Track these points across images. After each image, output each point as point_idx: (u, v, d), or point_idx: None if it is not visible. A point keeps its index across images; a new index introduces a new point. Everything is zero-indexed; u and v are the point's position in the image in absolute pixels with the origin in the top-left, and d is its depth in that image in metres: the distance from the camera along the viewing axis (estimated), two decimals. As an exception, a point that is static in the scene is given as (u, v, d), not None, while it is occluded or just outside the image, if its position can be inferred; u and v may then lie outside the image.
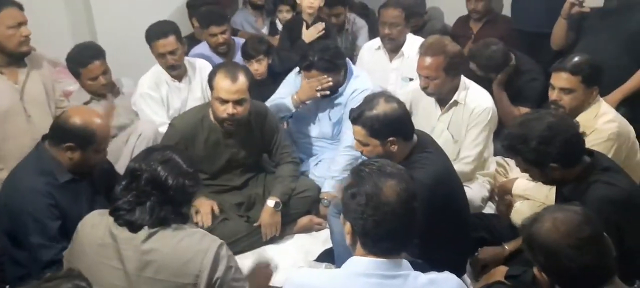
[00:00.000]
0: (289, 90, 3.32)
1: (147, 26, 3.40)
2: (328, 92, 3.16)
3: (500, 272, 2.24)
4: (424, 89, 2.90)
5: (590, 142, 2.38)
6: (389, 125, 2.25)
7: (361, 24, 4.39)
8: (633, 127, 2.66)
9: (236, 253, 2.31)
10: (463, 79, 2.96)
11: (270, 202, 2.92)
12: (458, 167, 2.72)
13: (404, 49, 3.65)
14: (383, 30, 3.67)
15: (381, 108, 2.26)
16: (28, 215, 2.18)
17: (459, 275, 2.38)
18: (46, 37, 3.75)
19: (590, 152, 2.13)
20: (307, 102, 3.25)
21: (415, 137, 2.36)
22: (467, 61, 3.19)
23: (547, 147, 2.02)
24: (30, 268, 2.26)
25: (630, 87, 3.08)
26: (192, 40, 4.12)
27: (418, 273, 1.58)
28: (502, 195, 2.92)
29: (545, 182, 2.20)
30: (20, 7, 2.89)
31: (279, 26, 4.50)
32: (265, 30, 4.69)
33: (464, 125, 2.94)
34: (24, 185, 2.24)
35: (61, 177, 2.26)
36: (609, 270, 1.56)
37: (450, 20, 4.60)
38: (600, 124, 2.54)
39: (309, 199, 3.11)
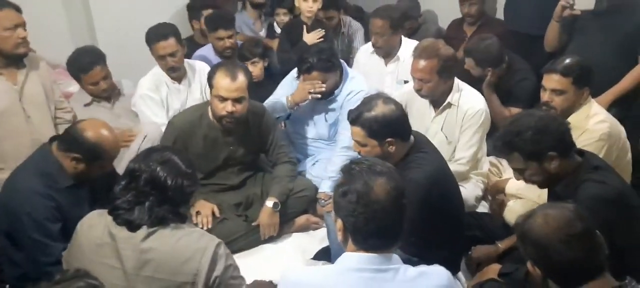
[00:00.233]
0: (286, 92, 3.35)
1: (147, 28, 3.42)
2: (319, 96, 3.18)
3: (493, 270, 2.27)
4: (418, 91, 2.93)
5: (581, 143, 2.41)
6: (387, 126, 2.28)
7: (357, 26, 4.41)
8: (623, 127, 2.69)
9: (234, 252, 2.33)
10: (456, 81, 2.99)
11: (269, 203, 2.94)
12: (453, 167, 2.74)
13: (399, 53, 3.67)
14: (371, 38, 3.72)
15: (380, 109, 2.29)
16: (27, 216, 2.19)
17: (454, 273, 2.43)
18: (46, 39, 3.77)
19: (582, 152, 2.16)
20: (301, 104, 3.28)
21: (412, 137, 2.39)
22: (460, 64, 3.22)
23: (543, 136, 2.04)
24: (28, 268, 2.27)
25: (622, 88, 3.09)
26: (191, 43, 4.14)
27: (408, 266, 1.63)
28: (494, 194, 2.96)
29: (541, 183, 2.20)
30: (18, 9, 2.89)
31: (277, 29, 4.54)
32: (263, 33, 4.71)
33: (457, 127, 2.97)
34: (24, 186, 2.24)
35: (63, 182, 2.27)
36: (599, 266, 1.60)
37: (444, 23, 4.61)
38: (592, 124, 2.56)
39: (306, 199, 3.14)
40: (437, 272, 1.66)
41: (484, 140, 3.08)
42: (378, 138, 2.29)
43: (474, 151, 2.98)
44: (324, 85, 3.15)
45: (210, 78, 2.84)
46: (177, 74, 3.42)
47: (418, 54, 2.87)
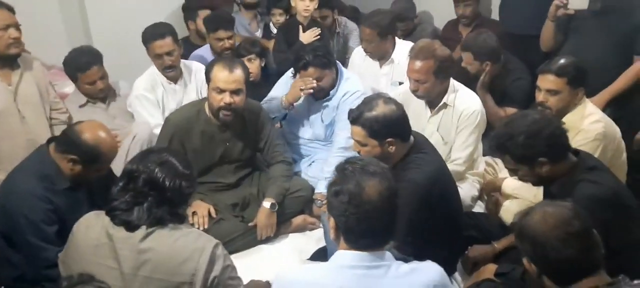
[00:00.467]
0: (282, 91, 3.35)
1: (142, 29, 3.42)
2: (312, 91, 3.18)
3: (489, 270, 2.28)
4: (414, 91, 2.94)
5: (577, 143, 2.42)
6: (387, 127, 2.29)
7: (352, 27, 4.42)
8: (618, 127, 2.70)
9: (231, 252, 2.32)
10: (452, 81, 3.00)
11: (266, 204, 2.95)
12: (449, 168, 2.75)
13: (393, 55, 3.67)
14: (363, 46, 3.73)
15: (381, 109, 2.30)
16: (24, 218, 2.19)
17: (450, 273, 2.44)
18: (41, 40, 3.77)
19: (577, 152, 2.18)
20: (295, 103, 3.28)
21: (411, 138, 2.40)
22: (456, 65, 3.23)
23: (534, 141, 2.06)
24: (24, 270, 2.27)
25: (617, 88, 3.11)
26: (187, 44, 4.14)
27: (400, 262, 1.65)
28: (489, 191, 2.97)
29: (534, 182, 2.23)
30: (10, 9, 2.89)
31: (273, 29, 4.54)
32: (259, 33, 4.71)
33: (453, 127, 2.98)
34: (21, 188, 2.24)
35: (60, 184, 2.27)
36: (595, 264, 1.61)
37: (439, 24, 4.62)
38: (587, 124, 2.58)
39: (303, 199, 3.15)
40: (429, 268, 1.68)
41: (480, 141, 3.09)
42: (378, 138, 2.30)
43: (470, 151, 2.99)
44: (315, 82, 3.15)
45: (208, 72, 2.87)
46: (173, 73, 3.42)
47: (414, 54, 2.88)
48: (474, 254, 2.57)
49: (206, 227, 2.85)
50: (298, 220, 3.12)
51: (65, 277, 1.58)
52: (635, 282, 1.60)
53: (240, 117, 2.98)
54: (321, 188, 3.14)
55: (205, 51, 3.92)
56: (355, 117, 2.34)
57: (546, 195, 2.25)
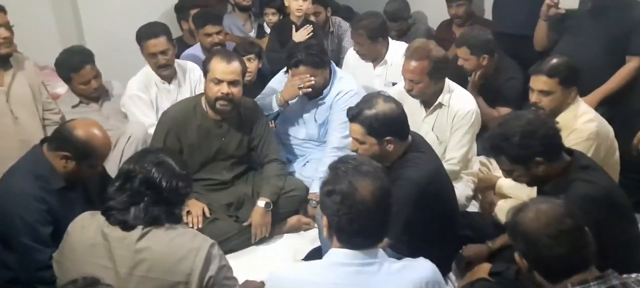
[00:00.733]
0: (276, 87, 3.36)
1: (135, 30, 3.41)
2: (310, 90, 3.18)
3: (483, 269, 2.29)
4: (409, 91, 2.95)
5: (570, 142, 2.43)
6: (387, 125, 2.30)
7: (346, 26, 4.42)
8: (611, 126, 2.71)
9: (226, 252, 2.31)
10: (447, 81, 3.01)
11: (261, 203, 2.95)
12: (444, 167, 2.77)
13: (387, 57, 3.68)
14: (355, 49, 3.73)
15: (380, 107, 2.30)
16: (19, 219, 2.17)
17: (445, 273, 2.45)
18: (34, 40, 3.75)
19: (570, 151, 2.18)
20: (291, 101, 3.28)
21: (409, 137, 2.41)
22: (451, 65, 3.24)
23: (530, 141, 2.06)
24: (19, 271, 2.25)
25: (610, 88, 3.13)
26: (180, 43, 4.13)
27: (393, 260, 1.66)
28: (484, 188, 2.99)
29: (529, 183, 2.23)
30: (1, 9, 2.87)
31: (267, 29, 4.53)
32: (252, 34, 4.71)
33: (448, 127, 3.00)
34: (17, 188, 2.22)
35: (55, 183, 2.25)
36: (586, 261, 1.63)
37: (434, 24, 4.64)
38: (580, 123, 2.59)
39: (297, 198, 3.15)
40: (422, 265, 1.69)
41: (474, 140, 3.10)
42: (377, 136, 2.31)
43: (464, 151, 3.00)
44: (313, 79, 3.15)
45: (205, 65, 2.90)
46: (167, 72, 3.42)
47: (409, 54, 2.89)
48: (469, 253, 2.58)
49: (200, 226, 2.85)
50: (293, 220, 3.12)
51: (70, 280, 1.56)
52: (624, 275, 1.62)
53: (237, 113, 3.00)
54: (316, 189, 3.13)
55: (196, 50, 3.92)
56: (354, 114, 2.34)
57: (540, 194, 2.24)
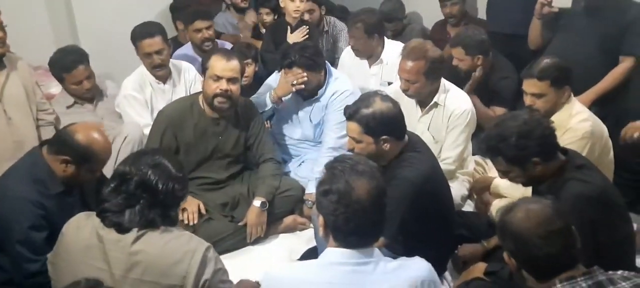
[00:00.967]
0: (273, 84, 3.36)
1: (130, 30, 3.40)
2: (303, 86, 3.18)
3: (479, 269, 2.29)
4: (404, 91, 2.95)
5: (564, 141, 2.43)
6: (384, 124, 2.30)
7: (341, 26, 4.41)
8: (605, 125, 2.72)
9: (221, 253, 2.32)
10: (443, 81, 3.01)
11: (257, 202, 2.95)
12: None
13: (382, 56, 3.68)
14: (351, 44, 3.74)
15: (377, 106, 2.31)
16: (15, 223, 2.15)
17: (440, 273, 2.45)
18: (28, 41, 3.73)
19: (565, 151, 2.19)
20: (284, 98, 3.28)
21: (406, 137, 2.41)
22: (447, 65, 3.25)
23: (526, 141, 2.06)
24: (14, 274, 2.23)
25: (604, 87, 3.14)
26: (175, 43, 4.12)
27: (389, 259, 1.67)
28: (479, 189, 2.99)
29: (525, 183, 2.23)
30: None
31: (261, 30, 4.53)
32: (247, 34, 4.71)
33: (443, 127, 3.00)
34: (14, 192, 2.19)
35: (53, 188, 2.24)
36: (573, 259, 1.65)
37: (428, 24, 4.64)
38: (574, 123, 2.60)
39: (293, 198, 3.14)
40: (417, 264, 1.70)
41: (470, 140, 3.11)
42: (374, 135, 2.31)
43: (460, 151, 3.01)
44: (306, 75, 3.15)
45: (204, 63, 2.93)
46: (162, 72, 3.41)
47: (406, 54, 2.89)
48: (464, 253, 2.59)
49: (196, 222, 2.85)
50: (288, 220, 3.12)
51: (72, 282, 1.56)
52: (610, 272, 1.64)
53: (234, 112, 3.01)
54: (311, 189, 3.13)
55: (187, 49, 3.92)
56: (351, 113, 2.35)
57: (535, 194, 2.25)
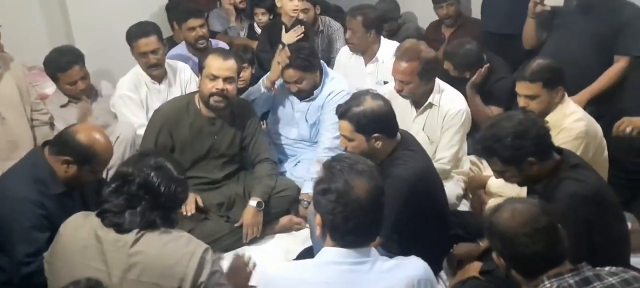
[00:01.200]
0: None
1: (125, 30, 3.39)
2: (288, 61, 3.16)
3: (474, 268, 2.31)
4: (399, 91, 2.96)
5: (559, 141, 2.44)
6: (375, 122, 2.31)
7: (336, 26, 4.41)
8: (600, 125, 2.73)
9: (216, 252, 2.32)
10: (437, 81, 3.02)
11: (253, 202, 2.95)
12: (435, 166, 2.78)
13: (378, 54, 3.68)
14: (346, 35, 3.74)
15: (368, 104, 2.32)
16: (16, 223, 2.15)
17: (436, 272, 2.45)
18: (22, 40, 3.72)
19: (560, 150, 2.20)
20: (277, 83, 3.30)
21: (398, 135, 2.42)
22: (441, 65, 3.26)
23: (522, 141, 2.07)
24: (13, 274, 2.22)
25: (598, 87, 3.15)
26: (171, 43, 4.11)
27: (385, 258, 1.67)
28: (474, 187, 3.00)
29: (520, 183, 2.24)
30: None
31: (257, 30, 4.52)
32: (243, 34, 4.70)
33: (438, 127, 3.01)
34: (15, 192, 2.19)
35: (54, 188, 2.23)
36: (560, 256, 1.66)
37: (423, 24, 4.64)
38: (569, 123, 2.60)
39: (289, 198, 3.15)
40: (414, 263, 1.70)
41: (465, 140, 3.11)
42: (365, 133, 2.32)
43: (455, 150, 3.02)
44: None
45: (202, 62, 2.93)
46: (158, 72, 3.41)
47: (400, 55, 2.90)
48: (459, 252, 2.59)
49: (193, 212, 2.85)
50: (284, 220, 3.12)
51: (71, 282, 1.55)
52: (597, 268, 1.65)
53: (230, 112, 3.01)
54: (307, 189, 3.14)
55: (181, 48, 3.91)
56: (343, 111, 2.36)
57: (530, 193, 2.26)
